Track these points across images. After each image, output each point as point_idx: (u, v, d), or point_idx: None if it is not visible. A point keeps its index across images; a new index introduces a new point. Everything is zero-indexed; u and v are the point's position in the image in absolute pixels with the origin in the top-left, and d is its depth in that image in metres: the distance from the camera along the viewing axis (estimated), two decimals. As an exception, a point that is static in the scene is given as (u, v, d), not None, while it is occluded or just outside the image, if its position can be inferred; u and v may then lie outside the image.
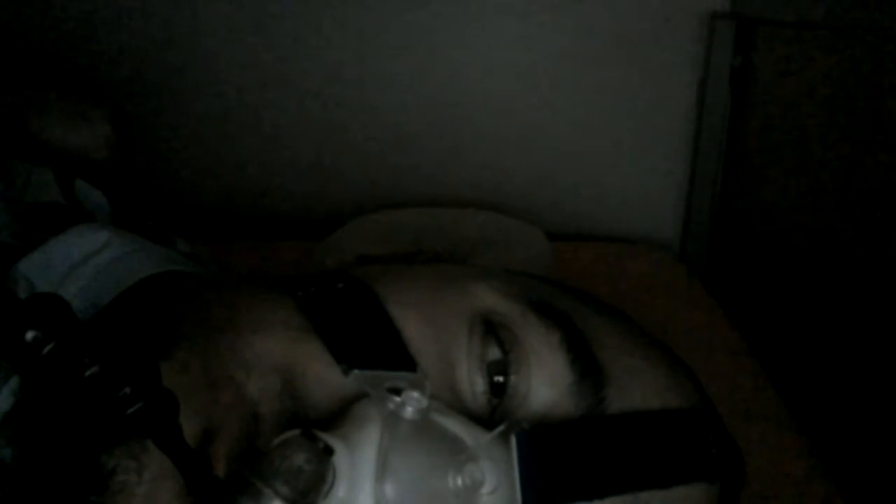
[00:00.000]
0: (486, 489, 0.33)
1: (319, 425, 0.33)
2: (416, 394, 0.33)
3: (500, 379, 0.39)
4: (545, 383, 0.39)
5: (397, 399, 0.33)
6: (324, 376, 0.36)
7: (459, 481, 0.32)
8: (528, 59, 1.18)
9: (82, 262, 0.44)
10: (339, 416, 0.34)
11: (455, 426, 0.34)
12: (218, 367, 0.36)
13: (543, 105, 1.20)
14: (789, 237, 1.00)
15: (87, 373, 0.28)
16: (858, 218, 0.84)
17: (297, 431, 0.31)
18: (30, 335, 0.27)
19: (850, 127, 0.87)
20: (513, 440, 0.35)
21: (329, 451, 0.30)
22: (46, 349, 0.27)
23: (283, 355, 0.37)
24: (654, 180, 1.24)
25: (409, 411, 0.33)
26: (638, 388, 0.41)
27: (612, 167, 1.23)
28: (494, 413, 0.39)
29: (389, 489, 0.31)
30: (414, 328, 0.39)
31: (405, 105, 1.19)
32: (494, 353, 0.39)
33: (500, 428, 0.35)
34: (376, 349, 0.38)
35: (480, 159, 1.21)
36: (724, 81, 1.14)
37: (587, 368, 0.40)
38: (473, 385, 0.39)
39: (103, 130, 0.63)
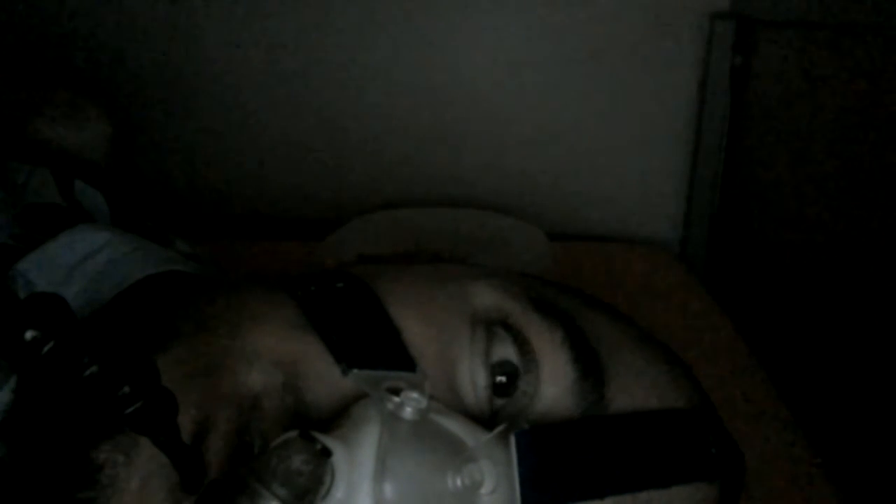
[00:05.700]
0: (485, 489, 0.33)
1: (319, 426, 0.33)
2: (415, 394, 0.33)
3: (503, 379, 0.39)
4: (547, 382, 0.39)
5: (396, 399, 0.33)
6: (324, 375, 0.36)
7: (459, 481, 0.32)
8: (529, 58, 1.18)
9: (82, 263, 0.44)
10: (338, 416, 0.34)
11: (454, 426, 0.34)
12: (215, 359, 0.36)
13: (543, 105, 1.20)
14: (789, 237, 1.00)
15: (87, 372, 0.28)
16: (859, 218, 0.84)
17: (295, 433, 0.31)
18: (29, 335, 0.27)
19: (850, 127, 0.86)
20: (512, 440, 0.34)
21: (327, 453, 0.30)
22: (45, 349, 0.27)
23: (283, 353, 0.37)
24: (654, 180, 1.24)
25: (408, 412, 0.33)
26: (638, 387, 0.41)
27: (612, 167, 1.24)
28: (495, 413, 0.39)
29: (388, 490, 0.31)
30: (414, 328, 0.39)
31: (405, 105, 1.19)
32: (501, 353, 0.39)
33: (500, 428, 0.35)
34: (376, 349, 0.37)
35: (481, 159, 1.21)
36: (724, 81, 1.14)
37: (589, 367, 0.40)
38: (476, 383, 0.39)
39: (102, 129, 0.62)
